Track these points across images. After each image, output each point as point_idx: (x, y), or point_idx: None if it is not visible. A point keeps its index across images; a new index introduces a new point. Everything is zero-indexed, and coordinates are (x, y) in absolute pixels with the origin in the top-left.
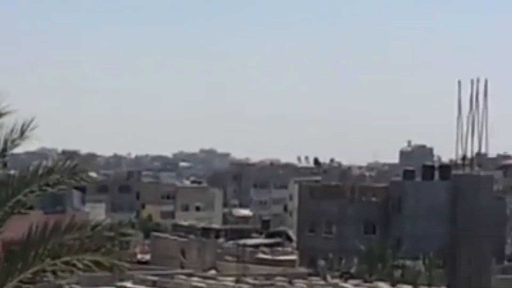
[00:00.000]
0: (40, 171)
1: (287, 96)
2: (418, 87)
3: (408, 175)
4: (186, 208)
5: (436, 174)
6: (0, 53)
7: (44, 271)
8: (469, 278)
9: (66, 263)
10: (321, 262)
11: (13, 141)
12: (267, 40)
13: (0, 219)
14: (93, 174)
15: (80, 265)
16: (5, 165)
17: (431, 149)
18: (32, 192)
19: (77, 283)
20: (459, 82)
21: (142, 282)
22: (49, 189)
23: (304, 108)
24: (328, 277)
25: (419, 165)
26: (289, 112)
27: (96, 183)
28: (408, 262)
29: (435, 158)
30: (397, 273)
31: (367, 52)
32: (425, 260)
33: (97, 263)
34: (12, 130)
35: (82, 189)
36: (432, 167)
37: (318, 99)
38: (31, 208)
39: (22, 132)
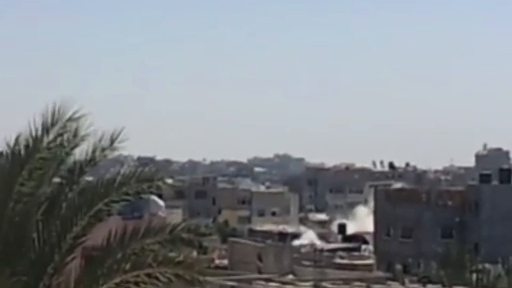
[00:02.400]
0: (119, 180)
1: (362, 100)
2: (493, 89)
3: (485, 178)
4: (262, 213)
5: None
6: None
7: (127, 282)
8: None
9: (149, 275)
10: (399, 267)
11: (102, 149)
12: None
13: (82, 228)
14: (169, 181)
15: (162, 278)
16: (84, 172)
17: (507, 152)
18: (113, 201)
19: None
20: None
21: (220, 287)
22: (129, 198)
23: (378, 112)
24: (406, 282)
25: (495, 169)
26: (363, 116)
27: (173, 188)
28: (487, 266)
29: None
30: (476, 277)
31: (441, 52)
32: (505, 265)
33: (178, 276)
34: (100, 139)
35: (159, 195)
36: (509, 170)
37: (394, 102)
38: (109, 214)
39: (112, 141)
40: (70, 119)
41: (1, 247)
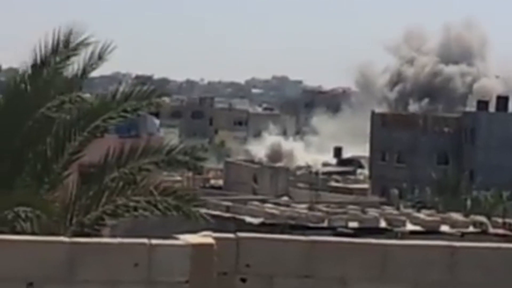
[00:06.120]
0: (118, 97)
1: (358, 25)
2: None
3: (482, 105)
4: (258, 135)
5: (510, 105)
6: None
7: (126, 206)
8: None
9: (148, 202)
10: (394, 191)
11: (91, 64)
12: None
13: (79, 144)
14: (166, 99)
15: (161, 207)
16: (80, 88)
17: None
18: (111, 118)
19: None
20: None
21: (215, 207)
22: (127, 115)
23: (375, 35)
24: (401, 207)
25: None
26: (361, 40)
27: (170, 108)
28: (482, 193)
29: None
30: (471, 204)
31: None
32: (500, 192)
33: (177, 208)
34: (91, 55)
35: (156, 114)
36: (506, 98)
37: (390, 26)
38: (106, 130)
39: (100, 55)
40: (79, 44)
41: (6, 163)
